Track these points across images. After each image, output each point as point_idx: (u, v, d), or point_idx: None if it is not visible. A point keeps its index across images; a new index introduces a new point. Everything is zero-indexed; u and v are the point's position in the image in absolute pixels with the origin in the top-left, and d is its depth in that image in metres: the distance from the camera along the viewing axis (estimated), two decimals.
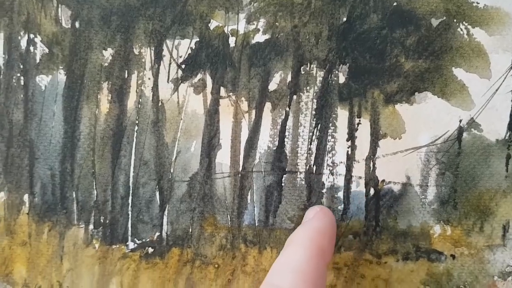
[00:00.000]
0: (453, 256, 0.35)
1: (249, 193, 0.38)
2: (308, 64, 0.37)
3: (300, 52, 0.37)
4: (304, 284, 0.28)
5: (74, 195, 0.41)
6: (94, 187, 0.40)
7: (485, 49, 0.35)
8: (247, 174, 0.38)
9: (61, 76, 0.41)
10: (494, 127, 0.35)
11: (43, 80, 0.41)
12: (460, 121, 0.35)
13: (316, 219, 0.33)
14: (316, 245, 0.30)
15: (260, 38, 0.37)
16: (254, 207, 0.38)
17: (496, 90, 0.35)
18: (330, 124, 0.37)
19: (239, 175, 0.38)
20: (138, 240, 0.40)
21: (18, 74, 0.41)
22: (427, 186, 0.35)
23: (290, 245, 0.31)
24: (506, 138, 0.35)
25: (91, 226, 0.40)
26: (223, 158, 0.38)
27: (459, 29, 0.35)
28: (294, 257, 0.30)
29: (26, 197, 0.41)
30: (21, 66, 0.41)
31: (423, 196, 0.36)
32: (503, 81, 0.35)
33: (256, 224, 0.38)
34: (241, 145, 0.38)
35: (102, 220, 0.40)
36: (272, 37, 0.37)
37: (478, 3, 0.35)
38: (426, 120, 0.35)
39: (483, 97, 0.35)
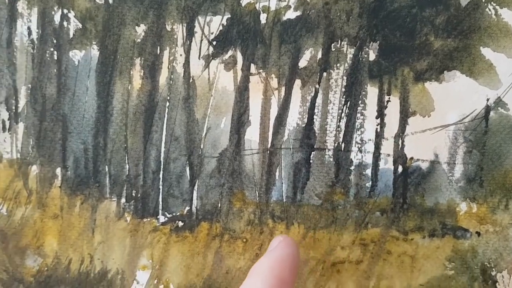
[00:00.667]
0: (478, 233, 0.38)
1: (278, 170, 0.40)
2: (339, 41, 0.39)
3: (331, 29, 0.39)
4: None
5: (106, 169, 0.43)
6: (126, 162, 0.43)
7: None
8: (276, 150, 0.40)
9: (94, 51, 0.43)
10: None
11: (76, 55, 0.43)
12: (488, 100, 0.37)
13: (278, 248, 0.35)
14: (275, 276, 0.32)
15: (291, 14, 0.40)
16: (282, 183, 0.40)
17: None
18: (360, 102, 0.39)
19: (268, 151, 0.40)
20: (169, 214, 0.42)
21: (52, 49, 0.43)
22: (455, 164, 0.38)
23: (250, 276, 0.33)
24: None
25: (123, 200, 0.43)
26: (252, 135, 0.41)
27: (487, 9, 0.37)
28: None
29: (58, 170, 0.44)
30: (55, 41, 0.43)
31: (450, 174, 0.38)
32: None
33: (284, 200, 0.40)
34: (270, 122, 0.41)
35: (133, 194, 0.43)
36: (303, 14, 0.39)
37: None
38: (454, 98, 0.38)
39: (510, 77, 0.37)
